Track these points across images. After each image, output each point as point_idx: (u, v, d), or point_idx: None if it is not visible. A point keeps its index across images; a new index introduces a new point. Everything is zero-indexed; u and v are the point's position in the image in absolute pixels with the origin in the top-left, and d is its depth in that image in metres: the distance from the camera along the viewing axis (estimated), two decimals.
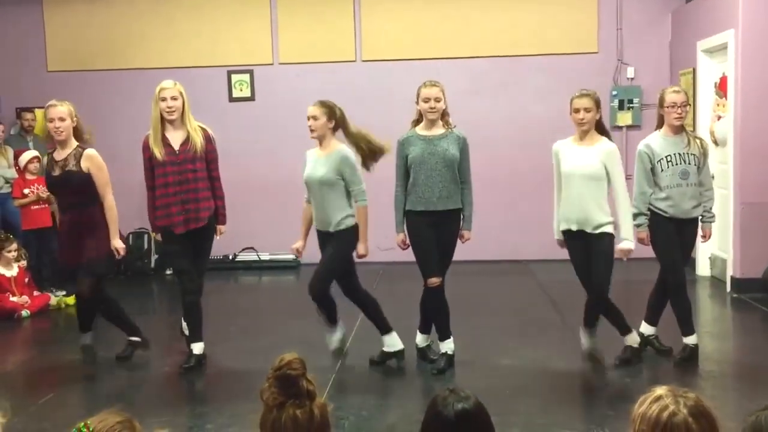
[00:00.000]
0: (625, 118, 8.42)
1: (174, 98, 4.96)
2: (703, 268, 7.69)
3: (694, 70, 7.78)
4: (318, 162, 4.94)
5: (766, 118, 6.78)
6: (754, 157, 6.80)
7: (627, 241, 4.74)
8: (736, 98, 6.88)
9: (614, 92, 8.53)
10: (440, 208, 4.86)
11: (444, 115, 4.94)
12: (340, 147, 4.93)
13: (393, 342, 5.12)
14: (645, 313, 5.20)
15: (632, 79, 8.52)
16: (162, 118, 4.99)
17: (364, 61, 8.78)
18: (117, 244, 5.08)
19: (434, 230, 4.88)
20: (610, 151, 4.75)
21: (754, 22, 6.77)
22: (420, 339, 5.19)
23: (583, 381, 4.81)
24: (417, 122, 4.99)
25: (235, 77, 8.89)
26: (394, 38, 8.70)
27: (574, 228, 4.78)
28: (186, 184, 5.00)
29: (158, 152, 4.96)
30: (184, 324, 5.26)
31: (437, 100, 4.85)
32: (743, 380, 4.74)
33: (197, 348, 5.13)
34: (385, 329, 5.12)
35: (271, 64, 8.85)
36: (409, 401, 4.47)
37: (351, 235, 4.93)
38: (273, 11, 8.79)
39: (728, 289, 6.99)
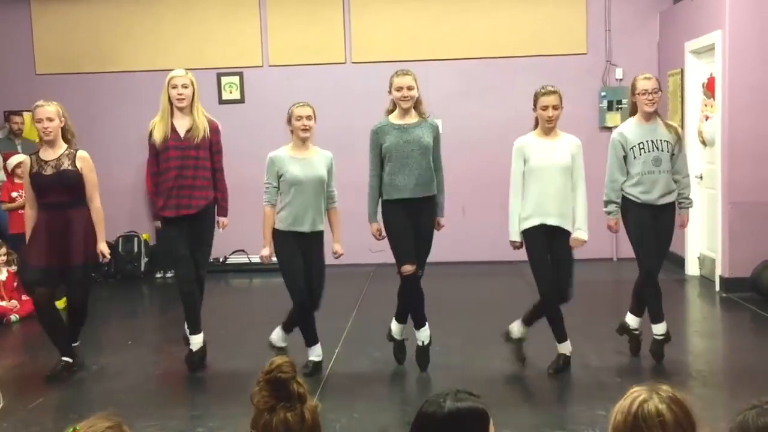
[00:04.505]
0: (614, 119, 8.44)
1: (185, 86, 5.03)
2: (692, 268, 7.73)
3: (682, 71, 7.82)
4: (306, 162, 4.90)
5: (753, 119, 6.83)
6: (741, 157, 6.84)
7: (582, 231, 4.80)
8: (723, 99, 6.92)
9: (603, 93, 8.56)
10: (418, 195, 4.86)
11: (418, 103, 4.94)
12: (321, 149, 5.00)
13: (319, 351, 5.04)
14: (630, 304, 5.19)
15: (621, 80, 8.55)
16: (171, 106, 5.03)
17: (354, 63, 8.78)
18: (103, 248, 5.08)
19: (411, 219, 4.88)
20: (579, 145, 4.89)
21: (741, 23, 6.81)
22: (396, 329, 5.13)
23: (573, 381, 4.82)
24: (390, 111, 4.98)
25: (224, 79, 8.87)
26: (384, 40, 8.71)
27: (549, 222, 4.78)
28: (185, 170, 5.02)
29: (162, 138, 4.99)
30: (187, 329, 5.19)
31: (410, 88, 4.85)
32: (732, 379, 4.77)
33: (197, 340, 5.10)
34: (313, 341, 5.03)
35: (261, 67, 8.84)
36: (400, 403, 4.47)
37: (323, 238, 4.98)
38: (262, 13, 8.78)
39: (717, 288, 7.03)
